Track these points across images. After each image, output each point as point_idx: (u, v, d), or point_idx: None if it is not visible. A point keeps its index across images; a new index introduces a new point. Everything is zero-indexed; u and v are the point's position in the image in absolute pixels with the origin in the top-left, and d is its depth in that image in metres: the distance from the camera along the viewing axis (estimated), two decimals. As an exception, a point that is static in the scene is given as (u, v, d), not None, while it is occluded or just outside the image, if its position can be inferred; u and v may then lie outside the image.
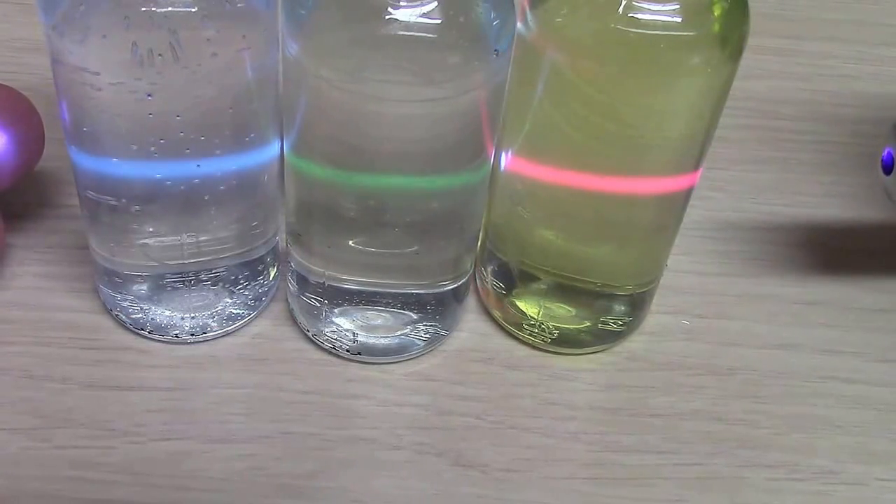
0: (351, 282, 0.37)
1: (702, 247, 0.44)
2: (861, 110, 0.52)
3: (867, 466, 0.38)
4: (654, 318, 0.41)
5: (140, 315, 0.38)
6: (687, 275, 0.43)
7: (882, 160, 0.37)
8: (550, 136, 0.35)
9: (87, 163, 0.34)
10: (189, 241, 0.36)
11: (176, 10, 0.30)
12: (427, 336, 0.39)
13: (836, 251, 0.45)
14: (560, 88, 0.33)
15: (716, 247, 0.45)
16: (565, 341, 0.39)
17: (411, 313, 0.38)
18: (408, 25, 0.30)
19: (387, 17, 0.30)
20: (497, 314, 0.41)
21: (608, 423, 0.38)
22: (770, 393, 0.40)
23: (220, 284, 0.38)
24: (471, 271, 0.39)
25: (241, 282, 0.38)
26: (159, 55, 0.30)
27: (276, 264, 0.40)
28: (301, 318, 0.39)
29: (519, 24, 0.33)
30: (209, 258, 0.37)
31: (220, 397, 0.38)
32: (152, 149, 0.33)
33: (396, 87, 0.31)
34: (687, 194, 0.37)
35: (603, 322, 0.39)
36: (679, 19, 0.31)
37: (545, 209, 0.37)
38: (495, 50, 0.32)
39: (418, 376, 0.39)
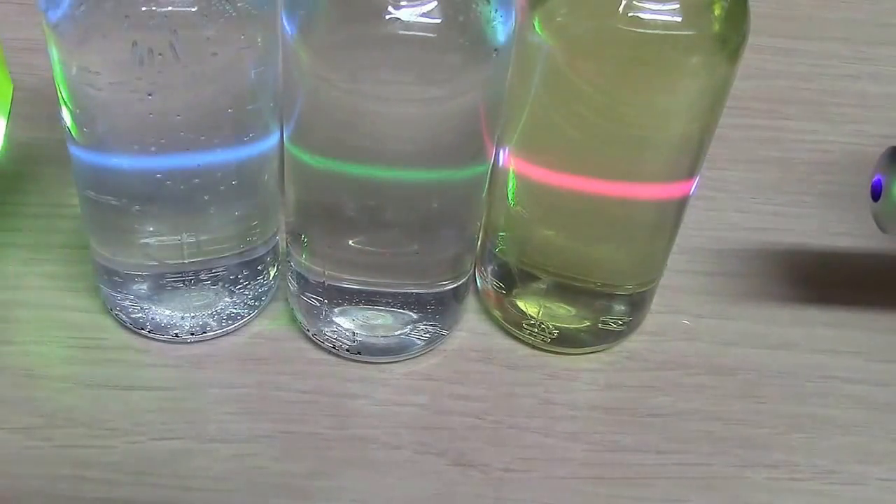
0: (351, 281, 0.37)
1: (702, 246, 0.44)
2: (861, 110, 0.52)
3: (867, 466, 0.38)
4: (654, 318, 0.41)
5: (140, 314, 0.38)
6: (687, 275, 0.43)
7: (871, 186, 0.38)
8: (550, 136, 0.35)
9: (88, 162, 0.34)
10: (189, 240, 0.36)
11: (176, 9, 0.30)
12: (427, 336, 0.39)
13: (836, 251, 0.45)
14: (560, 88, 0.33)
15: (716, 246, 0.45)
16: (565, 341, 0.39)
17: (411, 313, 0.38)
18: (408, 25, 0.30)
19: (387, 16, 0.30)
20: (497, 314, 0.41)
21: (608, 422, 0.38)
22: (770, 393, 0.40)
23: (220, 284, 0.38)
24: (471, 271, 0.39)
25: (241, 281, 0.38)
26: (159, 55, 0.30)
27: (276, 264, 0.40)
28: (301, 318, 0.39)
29: (519, 24, 0.33)
30: (209, 258, 0.37)
31: (220, 397, 0.38)
32: (152, 148, 0.33)
33: (396, 87, 0.31)
34: (687, 194, 0.37)
35: (603, 322, 0.39)
36: (679, 19, 0.31)
37: (545, 209, 0.37)
38: (495, 49, 0.32)
39: (418, 376, 0.39)
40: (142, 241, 0.36)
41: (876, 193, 0.38)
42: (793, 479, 0.37)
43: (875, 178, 0.37)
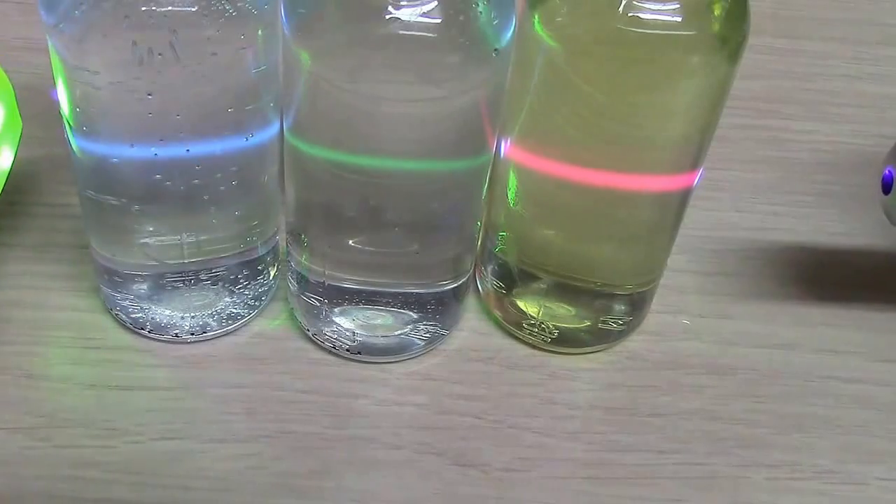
0: (351, 281, 0.37)
1: (702, 246, 0.44)
2: (861, 110, 0.52)
3: (867, 466, 0.38)
4: (654, 318, 0.41)
5: (140, 314, 0.38)
6: (687, 274, 0.43)
7: (882, 179, 0.37)
8: (550, 136, 0.35)
9: (87, 162, 0.34)
10: (189, 240, 0.36)
11: (176, 9, 0.30)
12: (427, 335, 0.39)
13: (836, 250, 0.45)
14: (560, 88, 0.33)
15: (716, 246, 0.45)
16: (565, 341, 0.39)
17: (411, 313, 0.38)
18: (408, 25, 0.30)
19: (387, 16, 0.30)
20: (497, 314, 0.41)
21: (608, 422, 0.38)
22: (770, 393, 0.40)
23: (220, 284, 0.38)
24: (471, 271, 0.39)
25: (241, 281, 0.38)
26: (159, 54, 0.30)
27: (276, 264, 0.40)
28: (301, 318, 0.39)
29: (519, 24, 0.33)
30: (209, 257, 0.37)
31: (220, 397, 0.38)
32: (152, 148, 0.33)
33: (396, 87, 0.31)
34: (687, 194, 0.37)
35: (603, 321, 0.39)
36: (679, 19, 0.31)
37: (545, 208, 0.37)
38: (495, 49, 0.32)
39: (418, 376, 0.39)
40: (142, 241, 0.36)
41: (887, 186, 0.37)
42: (793, 479, 0.37)
43: (886, 171, 0.37)
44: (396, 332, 0.38)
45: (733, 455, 0.38)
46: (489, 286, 0.40)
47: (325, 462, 0.36)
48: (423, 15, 0.30)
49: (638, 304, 0.40)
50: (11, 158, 0.38)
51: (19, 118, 0.39)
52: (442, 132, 0.33)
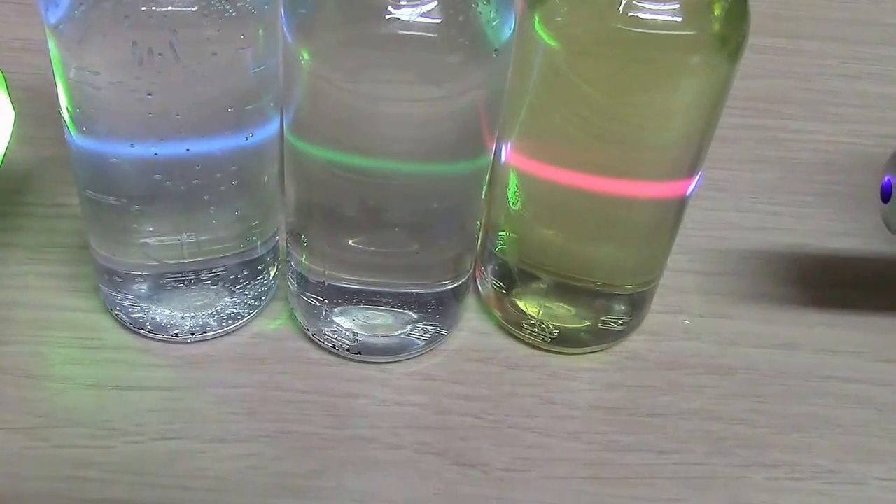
0: (351, 281, 0.37)
1: (702, 246, 0.44)
2: (861, 110, 0.52)
3: (867, 466, 0.38)
4: (654, 318, 0.41)
5: (140, 314, 0.38)
6: (687, 274, 0.43)
7: (881, 187, 0.38)
8: (550, 136, 0.35)
9: (87, 162, 0.35)
10: (189, 240, 0.36)
11: (176, 9, 0.30)
12: (427, 335, 0.39)
13: (836, 250, 0.45)
14: (560, 87, 0.33)
15: (716, 246, 0.45)
16: (565, 341, 0.39)
17: (411, 313, 0.38)
18: (408, 25, 0.30)
19: (387, 16, 0.30)
20: (497, 314, 0.41)
21: (608, 422, 0.38)
22: (770, 393, 0.40)
23: (220, 284, 0.38)
24: (471, 271, 0.39)
25: (241, 281, 0.38)
26: (159, 54, 0.30)
27: (276, 264, 0.40)
28: (301, 318, 0.39)
29: (519, 24, 0.33)
30: (209, 258, 0.37)
31: (220, 397, 0.38)
32: (152, 148, 0.33)
33: (396, 87, 0.31)
34: (687, 194, 0.37)
35: (603, 321, 0.39)
36: (679, 19, 0.31)
37: (545, 208, 0.37)
38: (495, 49, 0.32)
39: (418, 376, 0.39)
40: (142, 240, 0.36)
41: (886, 195, 0.37)
42: (793, 479, 0.37)
43: (885, 180, 0.37)
44: (396, 332, 0.38)
45: (733, 455, 0.38)
46: (489, 286, 0.40)
47: (324, 462, 0.36)
48: (423, 15, 0.30)
49: (638, 304, 0.40)
50: (5, 147, 0.38)
51: (11, 105, 0.39)
52: (442, 132, 0.33)
